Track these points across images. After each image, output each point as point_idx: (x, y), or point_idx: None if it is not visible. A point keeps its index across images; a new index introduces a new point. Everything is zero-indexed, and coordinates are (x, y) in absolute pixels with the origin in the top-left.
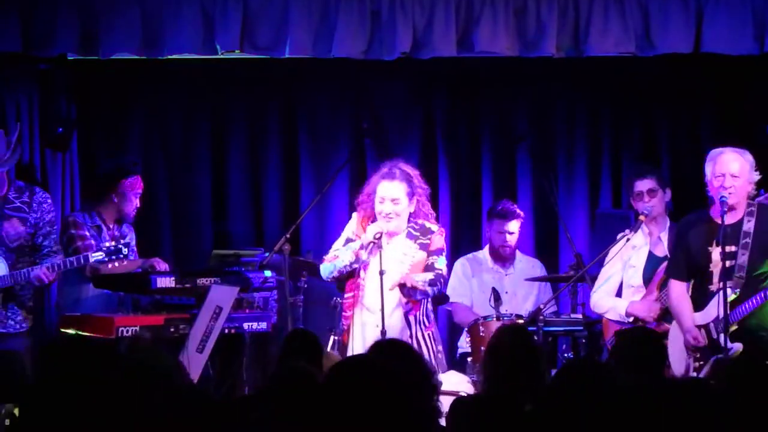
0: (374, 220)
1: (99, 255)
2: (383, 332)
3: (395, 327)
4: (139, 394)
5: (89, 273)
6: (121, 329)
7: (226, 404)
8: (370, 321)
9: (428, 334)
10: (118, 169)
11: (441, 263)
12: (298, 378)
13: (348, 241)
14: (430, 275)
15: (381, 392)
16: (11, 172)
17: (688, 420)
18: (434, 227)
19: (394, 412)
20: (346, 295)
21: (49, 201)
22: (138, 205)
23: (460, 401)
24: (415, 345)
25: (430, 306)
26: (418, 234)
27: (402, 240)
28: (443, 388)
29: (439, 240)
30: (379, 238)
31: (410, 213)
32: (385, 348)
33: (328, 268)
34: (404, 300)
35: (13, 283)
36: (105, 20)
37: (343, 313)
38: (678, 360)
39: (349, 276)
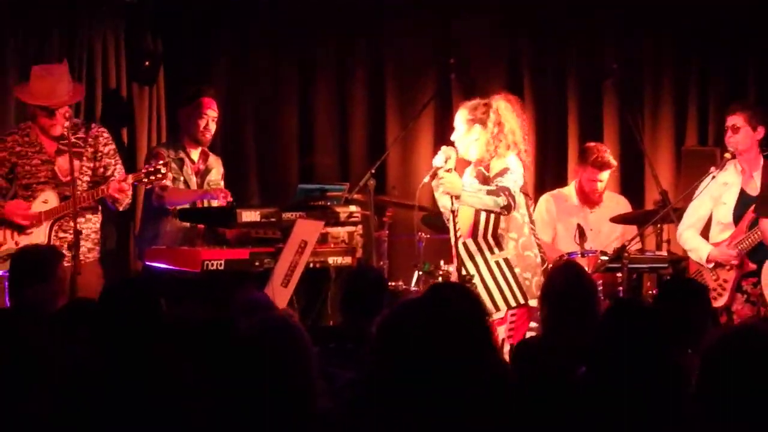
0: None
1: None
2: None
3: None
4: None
5: (170, 208)
6: (206, 263)
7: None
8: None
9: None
10: (182, 96)
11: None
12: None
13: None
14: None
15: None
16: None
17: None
18: None
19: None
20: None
21: (106, 134)
22: (207, 128)
23: (524, 343)
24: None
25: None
26: None
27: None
28: None
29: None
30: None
31: None
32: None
33: None
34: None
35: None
36: None
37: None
38: None
39: None
